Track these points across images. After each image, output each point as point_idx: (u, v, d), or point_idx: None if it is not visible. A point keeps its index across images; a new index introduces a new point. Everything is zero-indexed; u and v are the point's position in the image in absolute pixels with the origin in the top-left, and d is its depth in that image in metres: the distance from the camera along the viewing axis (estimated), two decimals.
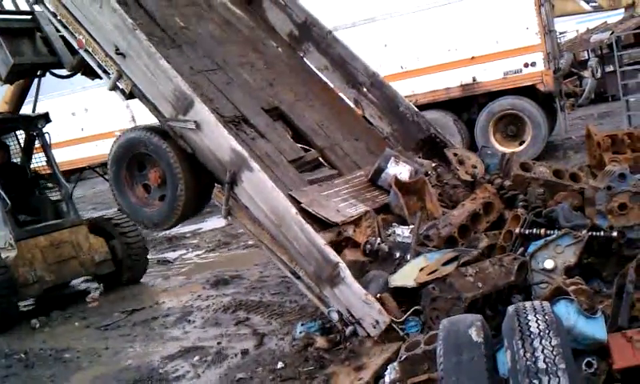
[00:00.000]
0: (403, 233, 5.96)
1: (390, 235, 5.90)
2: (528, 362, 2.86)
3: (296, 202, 5.86)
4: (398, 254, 5.58)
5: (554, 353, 2.88)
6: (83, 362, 6.93)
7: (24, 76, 9.06)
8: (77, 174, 12.38)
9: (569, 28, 22.94)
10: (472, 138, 13.59)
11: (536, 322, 3.00)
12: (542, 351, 2.87)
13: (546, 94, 13.08)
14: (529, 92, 13.10)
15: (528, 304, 3.16)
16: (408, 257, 5.48)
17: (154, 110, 6.44)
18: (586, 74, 18.46)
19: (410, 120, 7.90)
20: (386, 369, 4.27)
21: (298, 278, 5.77)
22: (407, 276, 5.04)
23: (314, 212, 5.87)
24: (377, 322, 5.11)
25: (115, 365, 6.63)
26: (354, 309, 5.32)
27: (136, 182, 6.93)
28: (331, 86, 8.32)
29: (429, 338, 3.93)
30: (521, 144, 13.41)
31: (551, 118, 13.73)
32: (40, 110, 9.74)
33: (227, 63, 7.56)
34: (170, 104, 6.25)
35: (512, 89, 13.15)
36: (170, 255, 11.62)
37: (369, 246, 5.66)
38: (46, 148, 9.68)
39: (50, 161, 9.78)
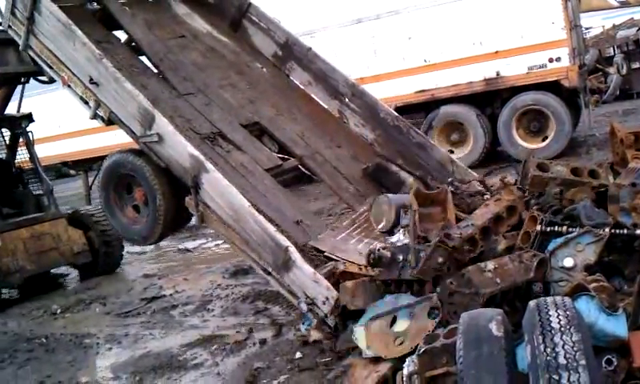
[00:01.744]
0: (400, 237, 6.12)
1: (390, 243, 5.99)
2: (548, 357, 2.83)
3: (319, 251, 6.10)
4: (400, 257, 5.59)
5: (575, 348, 2.85)
6: (103, 348, 7.02)
7: (9, 83, 9.78)
8: (99, 162, 12.60)
9: (595, 24, 22.73)
10: (494, 132, 13.50)
11: (557, 317, 2.97)
12: (563, 346, 2.84)
13: (571, 90, 12.94)
14: (553, 87, 12.97)
15: (549, 299, 3.13)
16: (409, 257, 5.46)
17: (129, 131, 6.96)
18: (612, 70, 18.29)
19: (391, 125, 8.17)
20: (404, 361, 4.27)
21: (269, 274, 6.02)
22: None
23: (339, 258, 5.98)
24: (326, 298, 5.44)
25: (134, 351, 6.69)
26: (307, 289, 5.64)
27: (125, 204, 7.38)
28: (316, 99, 8.65)
29: (448, 332, 3.91)
30: (544, 140, 13.28)
31: (575, 114, 13.57)
32: (24, 110, 10.43)
33: (208, 86, 8.05)
34: (137, 122, 6.78)
35: (536, 84, 13.02)
36: (190, 244, 11.69)
37: (372, 256, 5.67)
38: (29, 145, 10.38)
39: (32, 157, 10.47)
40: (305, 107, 8.54)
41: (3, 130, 10.57)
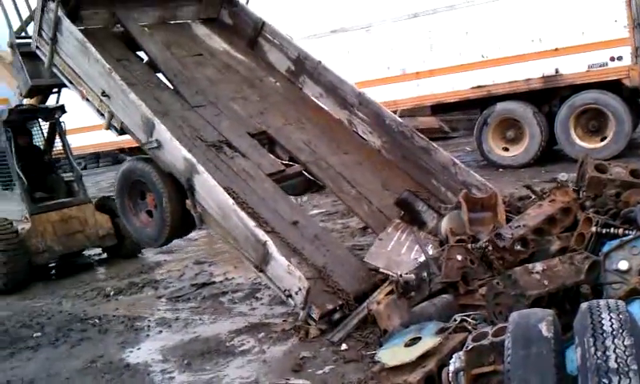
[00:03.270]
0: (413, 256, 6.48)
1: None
2: (599, 361, 2.78)
3: (374, 269, 6.35)
4: (425, 273, 5.70)
5: (627, 353, 2.79)
6: (153, 331, 7.15)
7: (41, 93, 10.50)
8: None
9: None
10: (551, 131, 13.22)
11: (609, 320, 2.91)
12: (614, 350, 2.78)
13: (632, 90, 12.57)
14: (613, 87, 12.61)
15: (602, 302, 3.07)
16: (432, 269, 5.62)
17: (137, 139, 7.56)
18: None
19: (395, 130, 8.49)
20: (451, 357, 4.25)
21: (262, 271, 6.38)
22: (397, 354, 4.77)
23: (396, 274, 6.00)
24: (299, 288, 5.92)
25: (184, 335, 6.80)
26: (283, 281, 6.13)
27: (140, 210, 7.96)
28: (326, 110, 9.08)
29: (497, 330, 3.87)
30: (602, 140, 12.93)
31: (635, 115, 13.15)
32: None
33: (219, 98, 8.58)
34: (142, 130, 7.36)
35: (596, 83, 12.68)
36: None
37: (400, 284, 5.67)
38: (62, 135, 11.21)
39: (64, 146, 11.36)
40: (314, 118, 8.95)
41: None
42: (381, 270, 6.44)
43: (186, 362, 6.00)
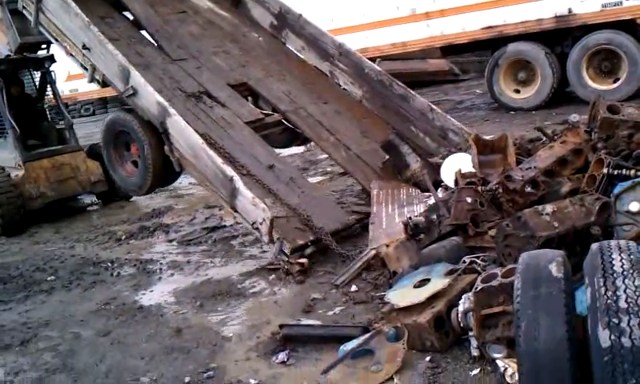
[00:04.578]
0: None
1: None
2: (609, 301, 2.78)
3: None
4: (434, 216, 5.72)
5: (637, 293, 2.78)
6: (165, 274, 7.23)
7: (31, 50, 10.67)
8: None
9: None
10: (563, 72, 13.03)
11: (620, 260, 2.90)
12: (625, 290, 2.78)
13: None
14: (627, 26, 12.36)
15: (613, 242, 3.05)
16: (441, 211, 5.65)
17: (117, 89, 7.77)
18: None
19: (375, 80, 8.71)
20: (460, 298, 4.28)
21: (235, 209, 6.62)
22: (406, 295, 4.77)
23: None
24: (263, 219, 6.15)
25: (196, 278, 6.87)
26: (250, 214, 6.36)
27: (125, 160, 8.22)
28: (309, 63, 9.30)
29: (506, 272, 3.89)
30: (615, 82, 12.74)
31: None
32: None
33: (201, 53, 8.83)
34: (119, 79, 7.58)
35: (610, 22, 12.43)
36: None
37: (409, 227, 5.68)
38: (52, 84, 11.56)
39: (55, 95, 11.74)
40: (296, 71, 9.18)
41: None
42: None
43: (198, 304, 6.08)
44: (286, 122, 8.28)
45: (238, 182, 6.42)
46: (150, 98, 7.27)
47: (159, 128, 7.23)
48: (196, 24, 9.41)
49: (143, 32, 9.08)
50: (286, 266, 6.21)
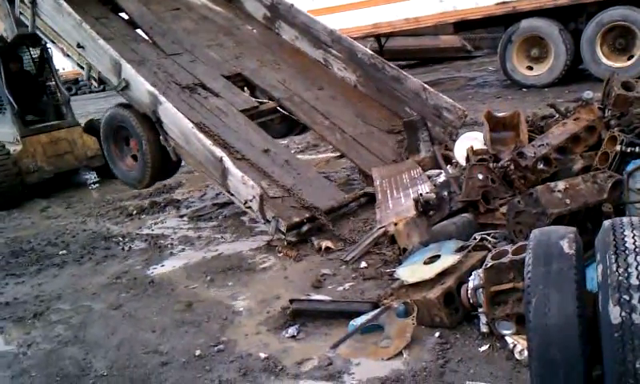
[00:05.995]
0: (438, 177, 6.57)
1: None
2: (620, 277, 2.76)
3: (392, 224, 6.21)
4: (445, 192, 5.77)
5: None
6: (176, 249, 7.27)
7: (29, 40, 10.81)
8: None
9: None
10: (577, 49, 12.87)
11: (632, 237, 2.87)
12: (636, 267, 2.75)
13: None
14: None
15: (625, 219, 3.02)
16: (452, 188, 5.70)
17: (112, 85, 7.84)
18: None
19: (368, 63, 8.81)
20: (470, 275, 4.28)
21: (227, 191, 6.71)
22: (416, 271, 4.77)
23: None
24: (253, 196, 6.22)
25: (206, 253, 6.91)
26: (241, 192, 6.43)
27: (125, 155, 8.40)
28: (303, 51, 9.43)
29: (517, 249, 3.88)
30: (629, 59, 12.58)
31: None
32: None
33: (195, 47, 9.01)
34: (112, 74, 7.69)
35: None
36: None
37: (420, 203, 5.68)
38: (49, 60, 11.80)
39: (52, 71, 11.95)
40: (290, 59, 9.32)
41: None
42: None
43: (209, 278, 6.12)
44: (280, 109, 8.40)
45: (228, 162, 6.50)
46: (140, 87, 7.40)
47: (152, 117, 7.34)
48: (190, 20, 9.61)
49: (138, 31, 9.27)
50: (281, 247, 6.36)
